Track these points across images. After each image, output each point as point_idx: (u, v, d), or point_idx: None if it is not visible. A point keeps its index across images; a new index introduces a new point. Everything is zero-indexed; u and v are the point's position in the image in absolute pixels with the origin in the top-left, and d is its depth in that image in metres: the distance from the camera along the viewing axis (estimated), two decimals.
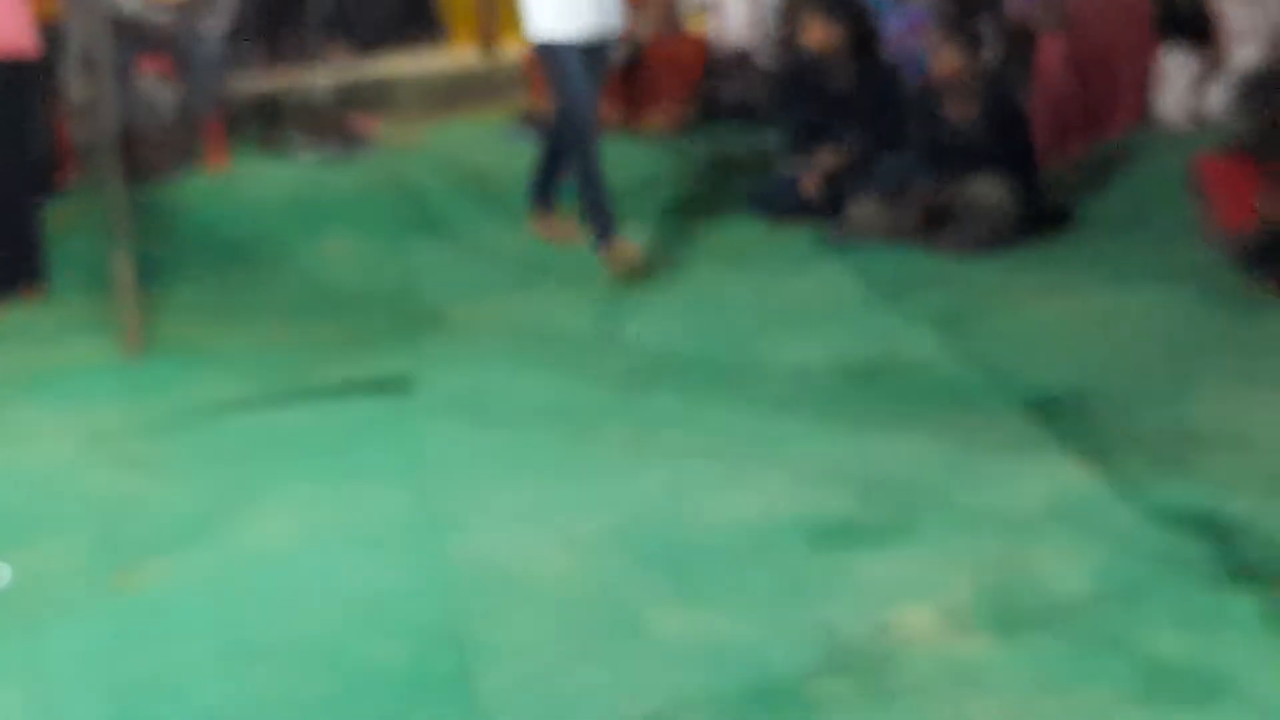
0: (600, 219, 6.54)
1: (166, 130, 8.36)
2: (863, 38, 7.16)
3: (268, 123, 9.04)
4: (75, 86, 8.00)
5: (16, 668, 3.72)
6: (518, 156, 7.89)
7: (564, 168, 6.91)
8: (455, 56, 10.21)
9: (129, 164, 6.48)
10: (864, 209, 6.71)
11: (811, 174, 6.97)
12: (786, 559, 4.01)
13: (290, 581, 4.05)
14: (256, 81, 9.39)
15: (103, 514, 4.54)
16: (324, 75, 9.33)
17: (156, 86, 8.39)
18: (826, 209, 6.89)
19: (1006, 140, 6.63)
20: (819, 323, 5.80)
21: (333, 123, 8.90)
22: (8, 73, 6.38)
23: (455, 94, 9.71)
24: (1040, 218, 6.59)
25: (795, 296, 6.14)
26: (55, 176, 7.74)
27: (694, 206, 7.43)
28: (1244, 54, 7.65)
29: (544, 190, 7.07)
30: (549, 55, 6.54)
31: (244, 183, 8.25)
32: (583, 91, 6.51)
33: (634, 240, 6.68)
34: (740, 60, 9.15)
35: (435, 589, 3.97)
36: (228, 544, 4.28)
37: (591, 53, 6.57)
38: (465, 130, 9.20)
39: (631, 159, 8.06)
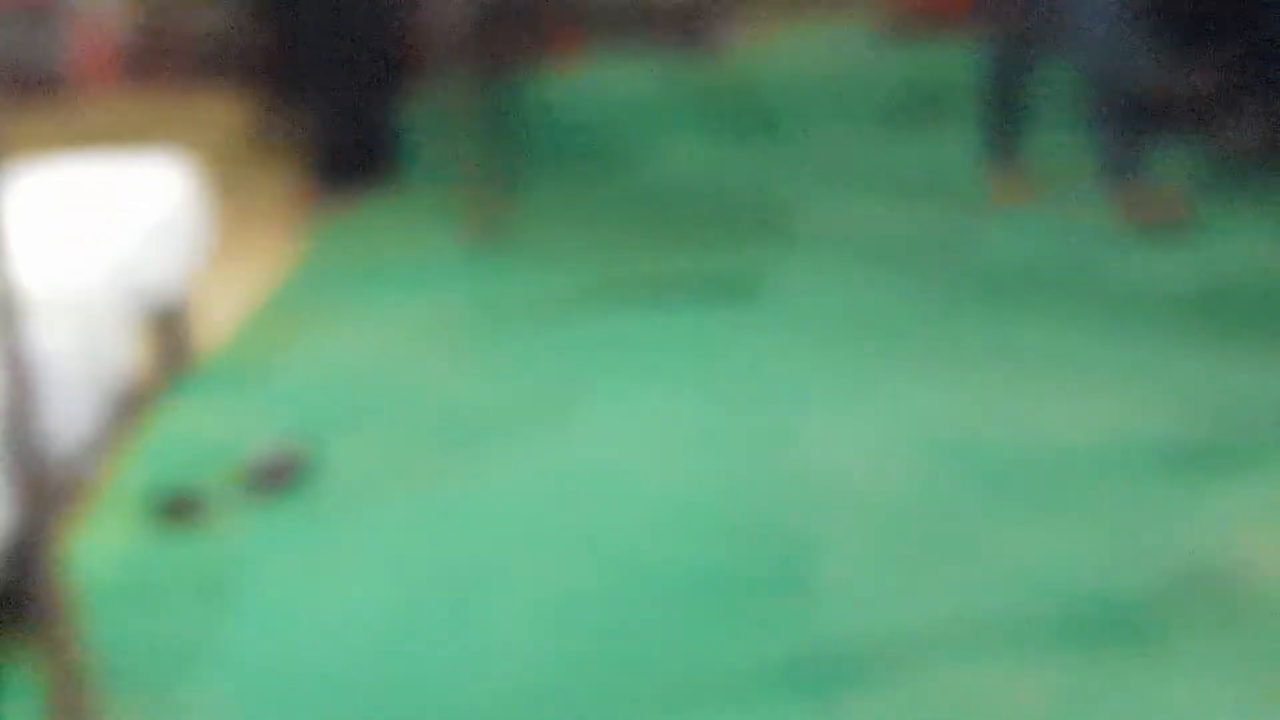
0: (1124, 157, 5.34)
1: (521, 26, 8.40)
2: None
3: (623, 20, 9.00)
4: None
5: (353, 537, 3.75)
6: (875, 67, 7.72)
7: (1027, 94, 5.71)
8: None
9: (483, 59, 6.52)
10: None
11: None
12: (1133, 480, 3.80)
13: (609, 484, 3.98)
14: None
15: (424, 406, 4.55)
16: None
17: None
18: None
19: None
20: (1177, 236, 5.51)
21: (688, 23, 8.83)
22: None
23: None
24: None
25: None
26: (412, 68, 7.84)
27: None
28: None
29: (1003, 133, 5.77)
30: None
31: (596, 80, 8.25)
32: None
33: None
34: None
35: (763, 495, 3.86)
36: (548, 443, 4.23)
37: None
38: (824, 35, 9.02)
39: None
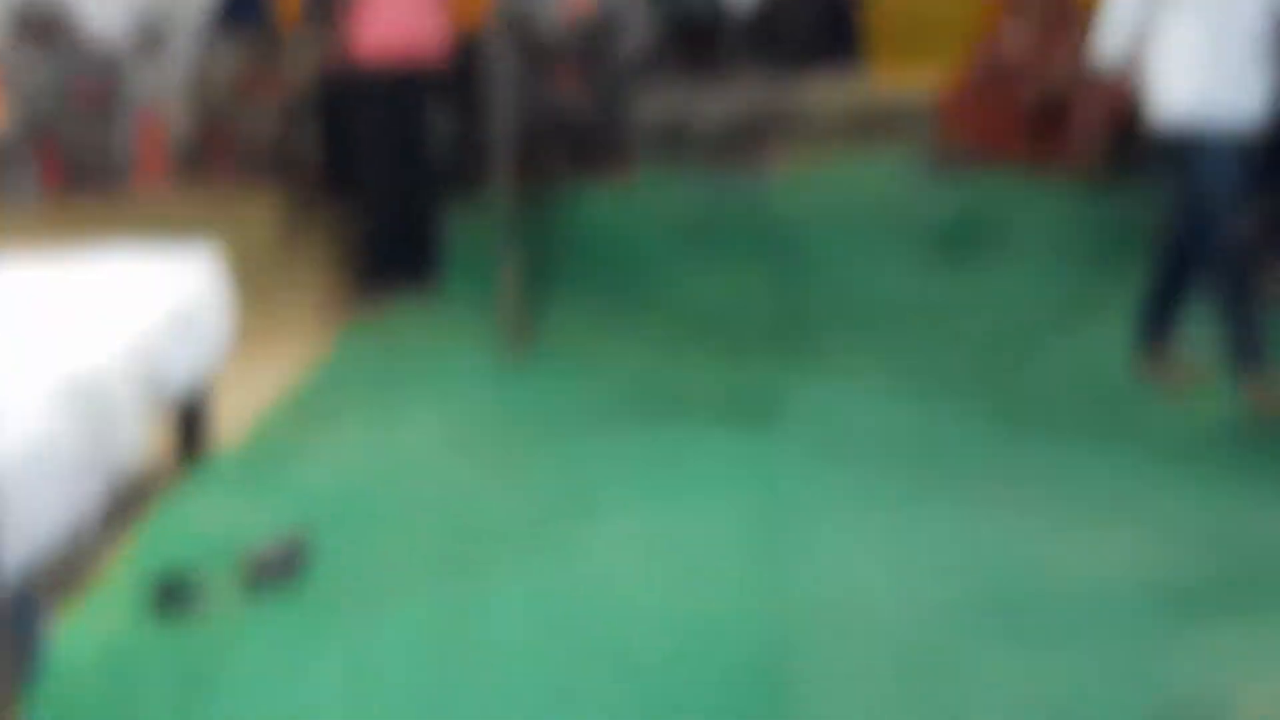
0: (1247, 346, 5.13)
1: (571, 141, 8.48)
2: None
3: (672, 141, 9.06)
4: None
5: (343, 641, 3.73)
6: (923, 197, 7.71)
7: (1188, 289, 5.44)
8: (870, 85, 10.07)
9: (531, 171, 6.58)
10: None
11: None
12: (1133, 619, 3.76)
13: (610, 606, 3.93)
14: (666, 99, 9.44)
15: (435, 512, 4.53)
16: (733, 97, 9.32)
17: (566, 98, 8.52)
18: None
19: None
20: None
21: (736, 147, 8.88)
22: (414, 78, 6.59)
23: (867, 124, 9.57)
24: None
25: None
26: (457, 177, 7.92)
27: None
28: None
29: (1161, 320, 5.49)
30: (1190, 143, 5.15)
31: (641, 198, 8.29)
32: (1230, 195, 5.14)
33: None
34: None
35: (765, 619, 3.82)
36: (554, 559, 4.20)
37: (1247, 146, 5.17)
38: (870, 164, 9.03)
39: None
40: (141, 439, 4.30)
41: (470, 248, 6.96)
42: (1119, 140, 8.45)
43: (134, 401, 4.20)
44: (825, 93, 9.83)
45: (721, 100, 9.30)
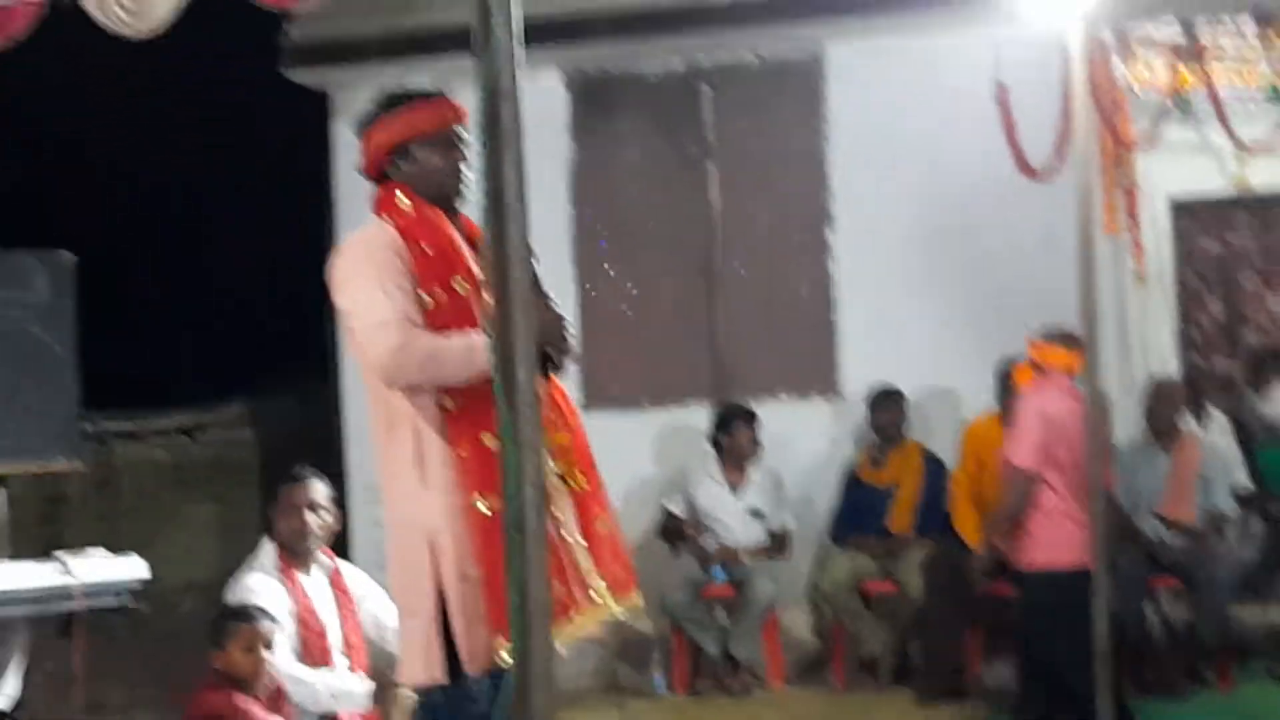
0: None
1: (1173, 649, 8.56)
2: None
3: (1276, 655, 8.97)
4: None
5: None
6: None
7: None
8: None
9: (1131, 677, 6.71)
10: None
11: None
12: None
13: None
14: (1270, 611, 9.38)
15: None
16: None
17: (1167, 605, 8.65)
18: None
19: None
20: None
21: None
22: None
23: None
24: None
25: None
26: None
27: None
28: None
29: None
30: None
31: (1244, 710, 8.22)
32: None
33: None
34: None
35: None
36: None
37: None
38: None
39: None
40: None
41: None
42: None
43: None
44: None
45: None
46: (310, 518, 6.88)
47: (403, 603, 4.71)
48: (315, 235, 10.76)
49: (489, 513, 4.31)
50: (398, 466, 4.61)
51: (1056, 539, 7.39)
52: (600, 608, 4.66)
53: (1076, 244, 7.25)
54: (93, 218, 10.55)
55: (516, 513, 3.39)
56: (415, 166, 4.79)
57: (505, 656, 4.24)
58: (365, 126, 4.88)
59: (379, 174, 4.88)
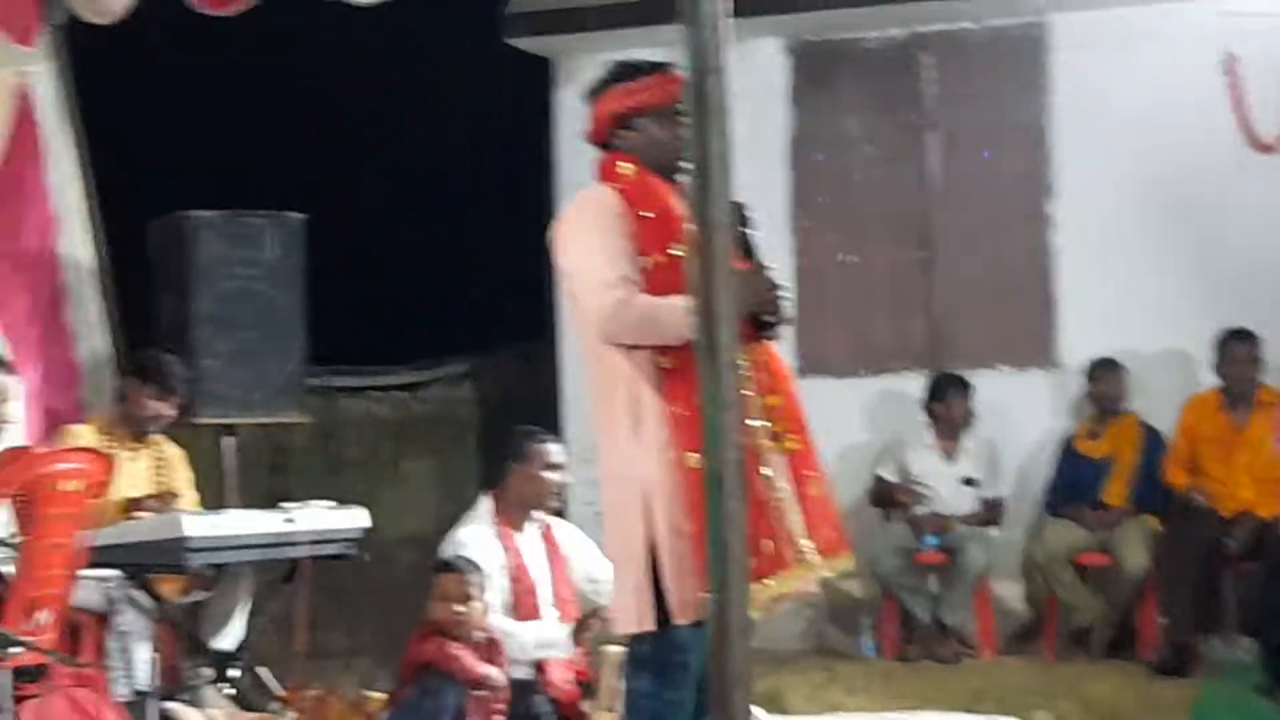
0: None
1: None
2: None
3: None
4: None
5: None
6: None
7: None
8: None
9: None
10: None
11: None
12: None
13: None
14: None
15: None
16: None
17: None
18: None
19: None
20: None
21: None
22: None
23: None
24: None
25: None
26: None
27: None
28: None
29: None
30: None
31: None
32: None
33: None
34: None
35: None
36: None
37: None
38: None
39: None
40: None
41: None
42: None
43: None
44: None
45: None
46: (553, 478, 7.10)
47: (616, 554, 4.83)
48: (536, 199, 10.94)
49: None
50: (615, 423, 4.74)
51: None
52: (810, 566, 4.74)
53: None
54: (323, 180, 10.84)
55: (716, 469, 3.49)
56: (640, 137, 4.91)
57: None
58: (595, 95, 5.01)
59: (605, 141, 4.99)
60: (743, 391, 4.52)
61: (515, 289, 11.07)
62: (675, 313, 4.51)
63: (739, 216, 4.78)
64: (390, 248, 11.31)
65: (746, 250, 4.76)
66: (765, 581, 4.59)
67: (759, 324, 4.75)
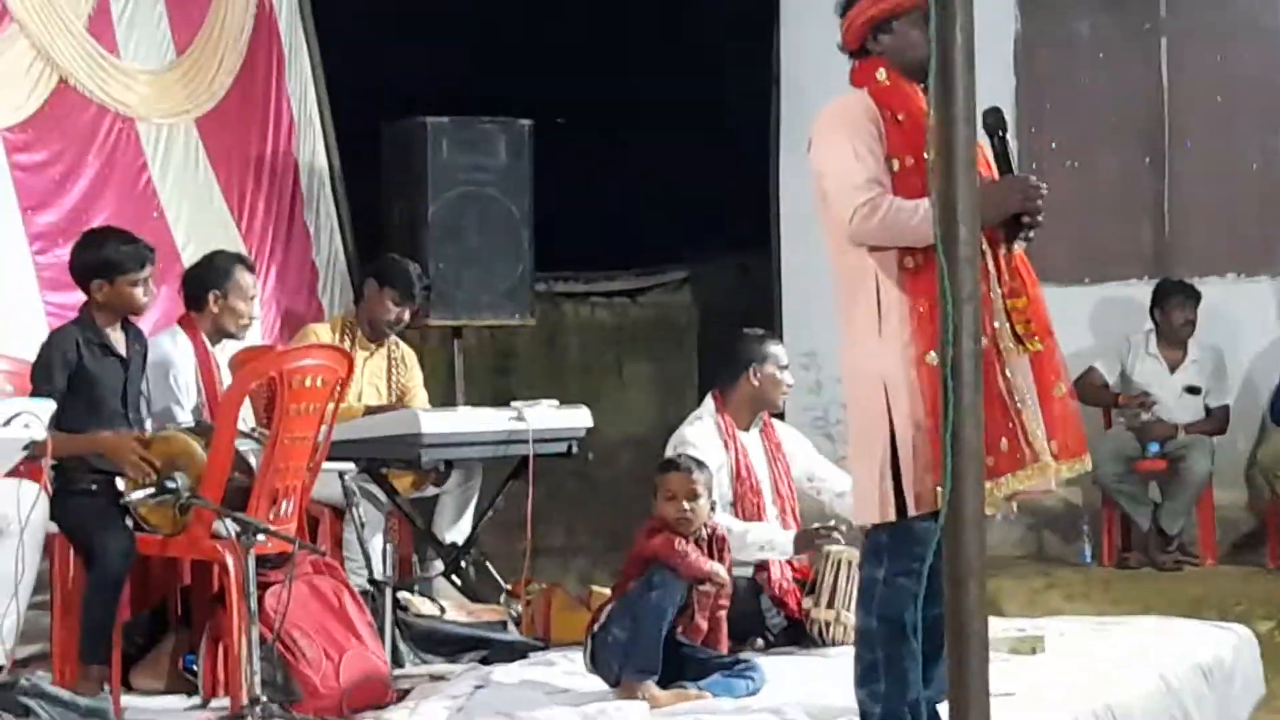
0: None
1: None
2: None
3: None
4: None
5: None
6: None
7: None
8: None
9: None
10: None
11: None
12: None
13: None
14: None
15: None
16: None
17: None
18: None
19: None
20: None
21: None
22: None
23: None
24: None
25: None
26: None
27: None
28: None
29: None
30: None
31: None
32: None
33: None
34: None
35: None
36: None
37: None
38: None
39: None
40: None
41: None
42: None
43: None
44: None
45: None
46: (785, 377, 7.20)
47: (858, 447, 4.91)
48: (760, 109, 10.96)
49: None
50: (858, 320, 4.81)
51: None
52: (1048, 466, 4.77)
53: None
54: (551, 88, 10.94)
55: (953, 363, 3.55)
56: (895, 40, 4.94)
57: None
58: (849, 3, 5.04)
59: (859, 48, 5.03)
60: (989, 292, 4.60)
61: (736, 199, 11.11)
62: (921, 215, 4.55)
63: (999, 121, 4.83)
64: (617, 156, 11.39)
65: (1004, 156, 4.82)
66: (1001, 480, 4.63)
67: (1018, 226, 4.79)
